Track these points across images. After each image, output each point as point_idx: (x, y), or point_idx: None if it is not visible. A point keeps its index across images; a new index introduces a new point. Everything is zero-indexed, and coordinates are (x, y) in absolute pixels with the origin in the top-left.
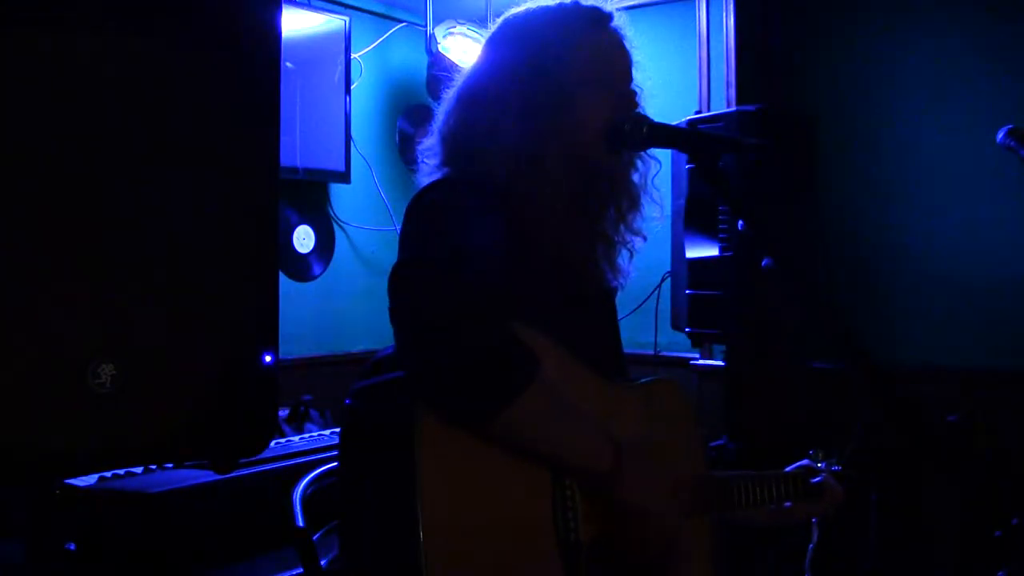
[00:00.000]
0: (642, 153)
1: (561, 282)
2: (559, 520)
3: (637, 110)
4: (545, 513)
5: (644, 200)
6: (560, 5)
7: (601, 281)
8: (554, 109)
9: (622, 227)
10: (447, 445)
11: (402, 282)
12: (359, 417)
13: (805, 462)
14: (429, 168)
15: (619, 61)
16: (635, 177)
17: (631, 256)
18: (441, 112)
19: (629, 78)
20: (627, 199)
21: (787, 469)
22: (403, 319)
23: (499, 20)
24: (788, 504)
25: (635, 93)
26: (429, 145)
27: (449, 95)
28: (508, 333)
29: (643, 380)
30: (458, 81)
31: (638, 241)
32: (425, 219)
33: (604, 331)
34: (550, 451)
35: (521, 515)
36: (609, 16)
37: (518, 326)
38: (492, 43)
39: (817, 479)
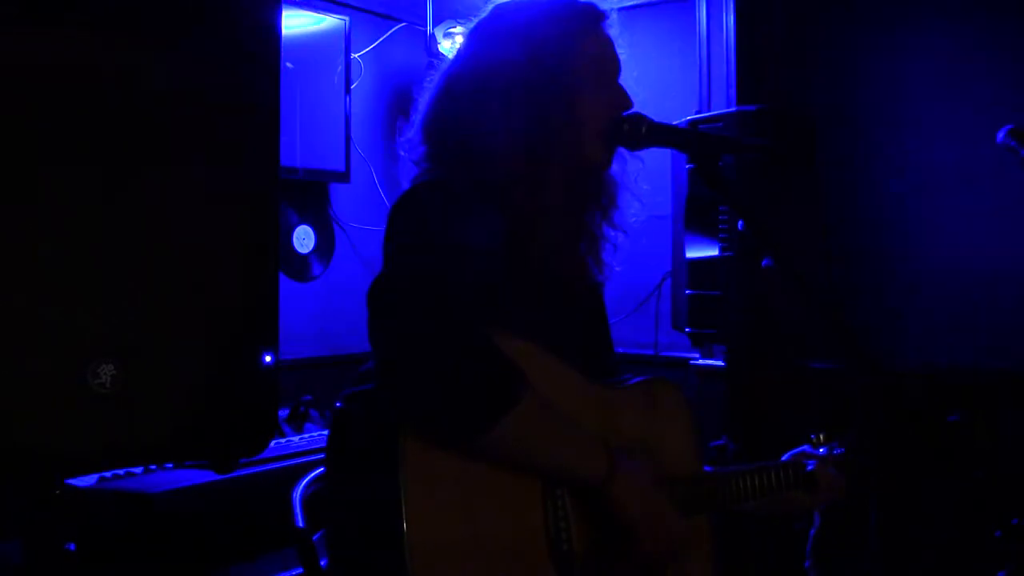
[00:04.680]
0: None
1: (550, 280)
2: (551, 530)
3: (633, 109)
4: (536, 523)
5: (622, 195)
6: (555, 0)
7: (587, 276)
8: (558, 108)
9: (604, 222)
10: (434, 456)
11: (381, 301)
12: (347, 423)
13: (804, 447)
14: (413, 166)
15: (614, 59)
16: (615, 172)
17: (615, 250)
18: (424, 102)
19: (619, 76)
20: (606, 195)
21: (785, 456)
22: (383, 340)
23: (488, 10)
24: (786, 494)
25: (627, 91)
26: (411, 137)
27: (432, 85)
28: (492, 351)
29: (637, 379)
30: (442, 71)
31: (619, 235)
32: (407, 227)
33: (593, 327)
34: (541, 466)
35: (512, 525)
36: (604, 14)
37: (505, 335)
38: (482, 35)
39: (810, 467)
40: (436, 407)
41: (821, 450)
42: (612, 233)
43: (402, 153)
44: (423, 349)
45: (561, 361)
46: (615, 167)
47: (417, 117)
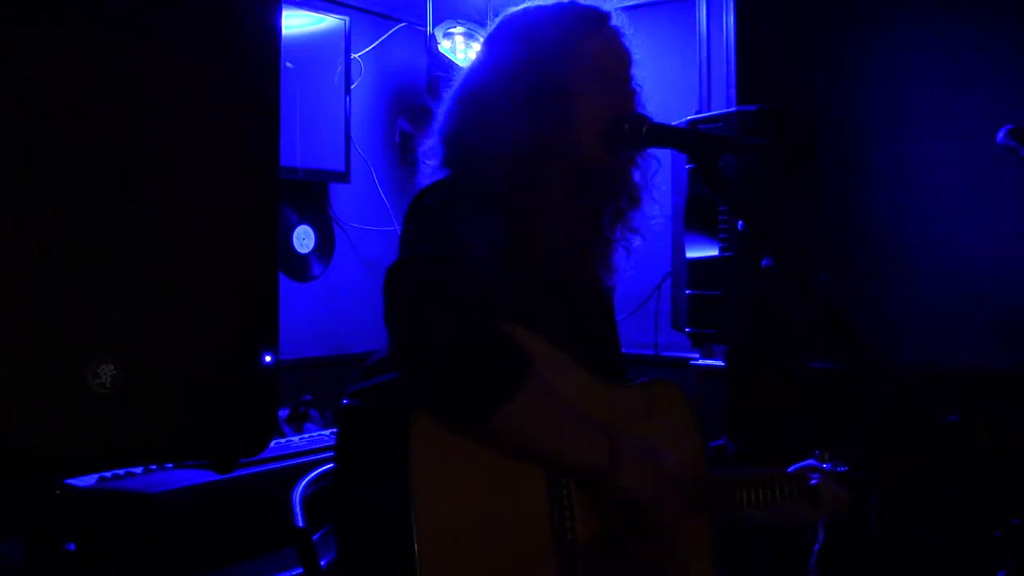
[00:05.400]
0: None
1: (558, 282)
2: (555, 519)
3: (637, 109)
4: (541, 512)
5: (645, 198)
6: (559, 4)
7: (597, 280)
8: (556, 110)
9: (620, 225)
10: (441, 446)
11: (396, 284)
12: (355, 418)
13: (810, 462)
14: (430, 169)
15: (619, 60)
16: (636, 175)
17: (628, 254)
18: (441, 113)
19: (628, 77)
20: (627, 196)
21: (790, 469)
22: (397, 321)
23: (497, 19)
24: (789, 505)
25: (635, 92)
26: (430, 146)
27: (448, 95)
28: (502, 335)
29: (641, 380)
30: (457, 81)
31: (636, 239)
32: (422, 220)
33: (601, 330)
34: (546, 450)
35: (517, 515)
36: (608, 15)
37: (514, 328)
38: (491, 42)
39: (814, 481)
40: (446, 389)
41: (825, 466)
42: (629, 236)
43: (423, 161)
44: (435, 332)
45: (569, 358)
46: (641, 168)
47: (436, 126)
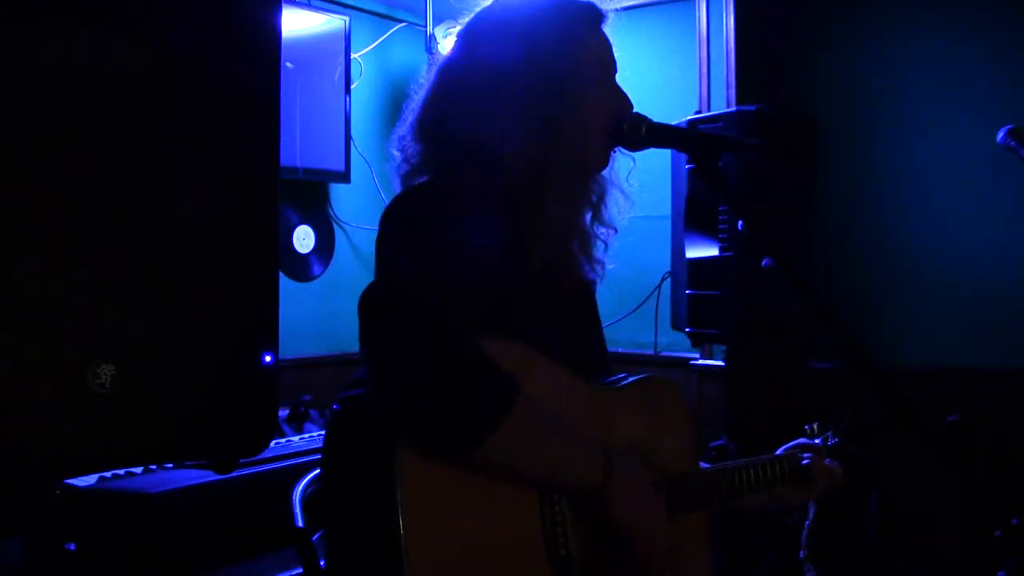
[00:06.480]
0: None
1: (546, 281)
2: (549, 536)
3: (634, 109)
4: (534, 529)
5: (612, 193)
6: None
7: (580, 276)
8: (564, 111)
9: (595, 221)
10: (429, 466)
11: (371, 311)
12: (344, 426)
13: (800, 440)
14: (406, 165)
15: (613, 60)
16: (605, 169)
17: (606, 248)
18: (419, 100)
19: (616, 77)
20: (596, 193)
21: (781, 449)
22: (373, 352)
23: (481, 9)
24: (783, 488)
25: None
26: (404, 135)
27: (428, 82)
28: (482, 364)
29: (633, 378)
30: (439, 69)
31: (611, 233)
32: (399, 237)
33: (587, 327)
34: (537, 474)
35: (510, 532)
36: (604, 14)
37: (503, 341)
38: (482, 34)
39: (805, 461)
40: (426, 423)
41: (816, 441)
42: (603, 231)
43: (394, 151)
44: (413, 363)
45: (557, 364)
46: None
47: (411, 115)
